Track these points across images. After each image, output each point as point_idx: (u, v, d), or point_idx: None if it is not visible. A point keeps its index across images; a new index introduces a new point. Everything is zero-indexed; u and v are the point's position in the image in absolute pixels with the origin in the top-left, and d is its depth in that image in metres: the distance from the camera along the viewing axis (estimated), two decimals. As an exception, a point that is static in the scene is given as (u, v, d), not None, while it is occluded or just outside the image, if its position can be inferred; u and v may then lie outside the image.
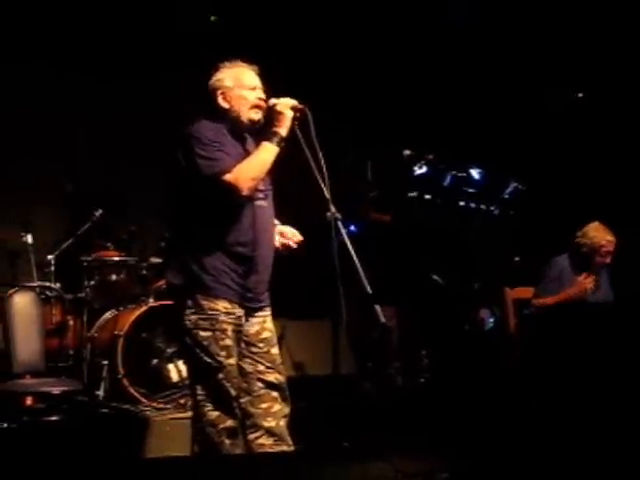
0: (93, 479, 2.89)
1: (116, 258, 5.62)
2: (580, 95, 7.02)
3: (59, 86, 6.22)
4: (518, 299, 5.51)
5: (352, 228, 6.58)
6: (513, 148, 6.70)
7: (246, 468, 2.64)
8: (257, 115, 3.36)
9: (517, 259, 6.59)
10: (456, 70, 6.87)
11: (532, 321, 5.12)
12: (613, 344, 4.17)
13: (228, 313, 3.25)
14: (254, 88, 3.37)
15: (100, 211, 5.56)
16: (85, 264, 5.44)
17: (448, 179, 6.19)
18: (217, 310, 3.23)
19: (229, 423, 3.21)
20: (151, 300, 5.37)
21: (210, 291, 3.23)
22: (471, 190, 6.25)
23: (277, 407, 3.36)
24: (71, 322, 5.31)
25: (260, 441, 3.31)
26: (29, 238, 5.42)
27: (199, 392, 3.23)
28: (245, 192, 3.20)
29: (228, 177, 3.17)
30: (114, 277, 5.56)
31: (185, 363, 3.43)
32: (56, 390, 4.09)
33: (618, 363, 4.07)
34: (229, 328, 3.25)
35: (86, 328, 5.28)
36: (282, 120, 3.29)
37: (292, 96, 3.37)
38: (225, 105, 3.35)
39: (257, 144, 3.34)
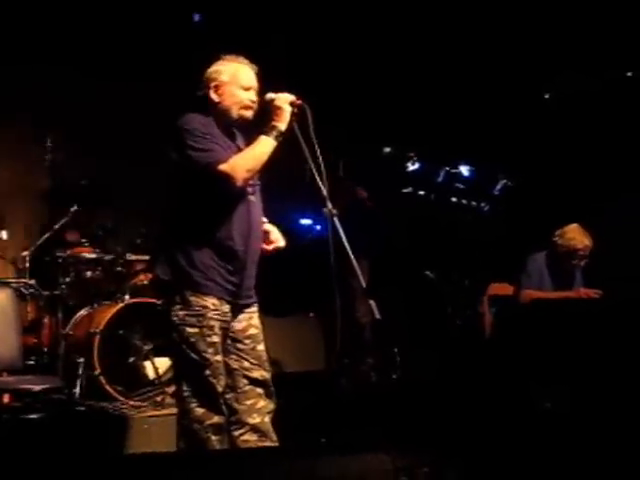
0: (73, 477, 2.88)
1: (92, 255, 5.57)
2: (546, 96, 7.10)
3: (35, 80, 6.16)
4: (492, 295, 5.60)
5: (318, 227, 6.62)
6: (497, 145, 6.77)
7: (239, 463, 2.64)
8: (246, 114, 3.35)
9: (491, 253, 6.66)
10: (439, 66, 6.91)
11: (516, 318, 5.19)
12: (592, 342, 4.24)
13: (216, 310, 3.25)
14: (248, 89, 3.35)
15: (75, 207, 5.53)
16: (60, 260, 5.39)
17: (442, 175, 6.24)
18: (205, 307, 3.22)
19: (215, 419, 3.22)
20: (127, 297, 5.35)
21: (199, 287, 3.23)
22: (461, 186, 6.31)
23: (262, 403, 3.37)
24: (46, 319, 5.26)
25: (245, 437, 3.32)
26: (4, 234, 5.38)
27: (185, 388, 3.24)
28: (240, 183, 3.19)
29: (223, 167, 3.16)
30: (89, 274, 5.51)
31: (171, 359, 3.42)
32: (37, 387, 4.05)
33: (597, 360, 4.14)
34: (217, 325, 3.25)
35: (61, 325, 5.24)
36: (281, 115, 3.29)
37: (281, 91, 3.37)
38: (216, 98, 3.34)
39: (253, 139, 3.33)
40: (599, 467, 3.14)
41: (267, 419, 3.37)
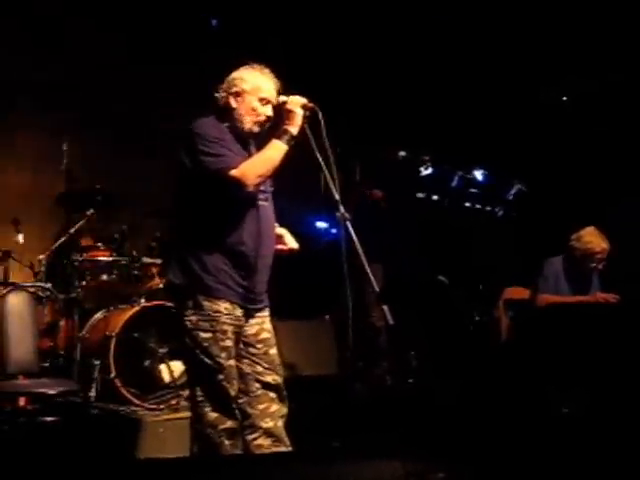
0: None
1: (107, 258, 5.59)
2: (565, 99, 7.08)
3: (49, 85, 6.20)
4: (507, 299, 5.56)
5: (334, 231, 6.61)
6: (512, 150, 6.74)
7: (253, 468, 2.63)
8: (256, 129, 3.35)
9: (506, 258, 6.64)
10: (454, 71, 6.91)
11: (532, 322, 5.15)
12: (609, 346, 4.20)
13: (229, 314, 3.25)
14: (267, 103, 3.34)
15: (91, 211, 5.55)
16: (76, 264, 5.41)
17: (456, 180, 6.22)
18: (218, 311, 3.23)
19: (229, 424, 3.22)
20: (143, 300, 5.35)
21: (211, 291, 3.23)
22: (475, 191, 6.28)
23: (275, 408, 3.37)
24: (62, 322, 5.27)
25: (258, 442, 3.32)
26: (20, 238, 5.41)
27: (198, 393, 3.23)
28: (251, 188, 3.19)
29: (234, 172, 3.16)
30: (105, 277, 5.54)
31: (184, 364, 3.42)
32: (52, 391, 4.07)
33: (614, 364, 4.10)
34: (229, 329, 3.25)
35: (77, 328, 5.25)
36: (293, 118, 3.27)
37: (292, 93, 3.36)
38: (234, 104, 3.34)
39: (264, 145, 3.33)
40: (616, 470, 3.11)
41: (280, 423, 3.37)
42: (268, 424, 3.33)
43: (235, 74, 3.38)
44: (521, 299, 5.51)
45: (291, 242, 3.55)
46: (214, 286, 3.23)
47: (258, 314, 3.41)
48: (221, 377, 3.21)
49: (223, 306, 3.24)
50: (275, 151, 3.26)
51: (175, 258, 3.33)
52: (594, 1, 6.19)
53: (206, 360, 3.20)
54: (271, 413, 3.35)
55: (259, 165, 3.23)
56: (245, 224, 3.28)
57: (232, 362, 3.25)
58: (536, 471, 3.37)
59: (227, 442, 3.20)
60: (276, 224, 3.54)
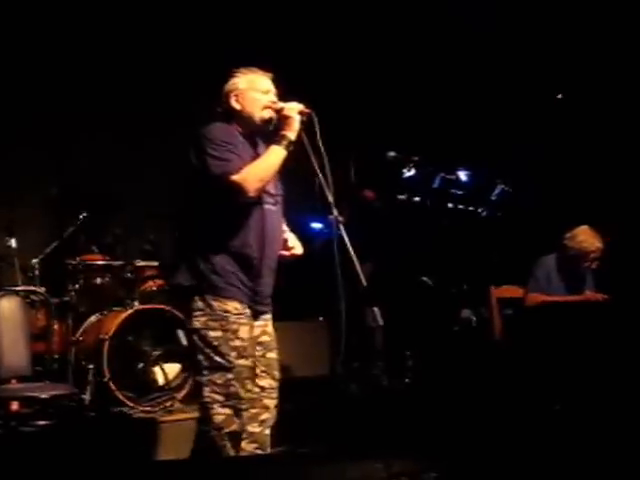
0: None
1: (101, 261, 5.59)
2: (559, 96, 7.09)
3: (46, 89, 6.20)
4: (502, 298, 5.54)
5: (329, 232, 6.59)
6: (501, 148, 6.75)
7: (239, 469, 2.64)
8: (268, 114, 3.39)
9: (496, 258, 6.63)
10: (442, 71, 6.92)
11: (522, 321, 5.15)
12: (604, 343, 4.20)
13: (239, 314, 3.26)
14: (267, 92, 3.42)
15: (84, 214, 5.55)
16: (70, 267, 5.40)
17: (437, 181, 6.21)
18: (227, 311, 3.23)
19: (234, 427, 3.20)
20: (136, 303, 5.35)
21: (220, 292, 3.24)
22: (459, 192, 6.28)
23: (265, 416, 3.37)
24: (56, 326, 5.26)
25: (242, 445, 3.28)
26: (13, 242, 5.40)
27: (207, 394, 3.21)
28: (252, 193, 3.22)
29: (236, 178, 3.19)
30: (99, 280, 5.53)
31: (193, 366, 3.37)
32: (45, 395, 4.07)
33: (609, 362, 4.10)
34: (240, 329, 3.25)
35: (71, 332, 5.25)
36: (290, 124, 3.32)
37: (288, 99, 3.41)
38: (237, 106, 3.40)
39: (267, 148, 3.36)
40: (609, 468, 3.11)
41: (267, 432, 3.38)
42: (255, 429, 3.33)
43: (227, 84, 3.46)
44: (514, 298, 5.49)
45: (296, 247, 3.57)
46: (223, 286, 3.24)
47: (262, 316, 3.43)
48: (230, 376, 3.20)
49: (232, 306, 3.25)
50: (275, 156, 3.30)
51: (183, 261, 3.33)
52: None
53: (217, 358, 3.20)
54: (261, 420, 3.36)
55: (260, 171, 3.26)
56: (251, 227, 3.30)
57: (242, 362, 3.24)
58: (529, 469, 3.37)
59: (229, 445, 3.18)
60: (286, 228, 3.58)
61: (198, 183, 3.28)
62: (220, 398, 3.19)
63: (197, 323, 3.23)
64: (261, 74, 3.46)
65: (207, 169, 3.21)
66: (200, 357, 3.24)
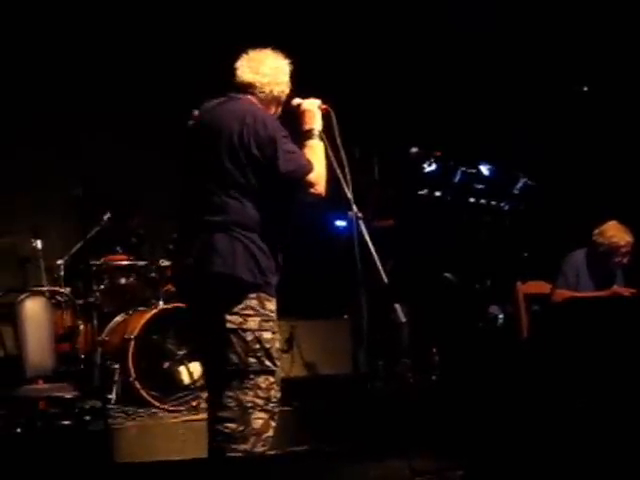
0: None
1: (125, 262, 5.62)
2: (585, 89, 7.00)
3: (67, 91, 6.24)
4: (529, 294, 5.47)
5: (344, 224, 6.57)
6: (527, 143, 6.68)
7: (263, 468, 2.62)
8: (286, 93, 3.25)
9: (525, 254, 6.56)
10: (465, 66, 6.87)
11: (548, 317, 5.07)
12: (632, 340, 4.12)
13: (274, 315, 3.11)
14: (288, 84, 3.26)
15: (108, 215, 5.58)
16: (94, 268, 5.44)
17: (458, 176, 6.13)
18: (273, 311, 3.07)
19: (270, 432, 3.06)
20: (161, 302, 5.37)
21: (271, 290, 3.06)
22: (481, 186, 6.19)
23: None
24: (82, 326, 5.30)
25: None
26: (38, 243, 5.44)
27: (250, 398, 3.02)
28: (323, 194, 3.08)
29: (311, 177, 3.04)
30: (123, 281, 5.57)
31: (231, 365, 3.15)
32: (71, 394, 4.09)
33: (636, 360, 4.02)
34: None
35: (97, 332, 5.27)
36: (312, 117, 3.20)
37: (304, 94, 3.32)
38: (282, 96, 3.21)
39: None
40: (633, 465, 3.06)
41: None
42: None
43: (275, 63, 3.22)
44: (541, 294, 5.41)
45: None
46: (273, 284, 3.08)
47: None
48: (272, 380, 3.05)
49: (274, 307, 3.09)
50: (320, 152, 3.16)
51: (239, 249, 3.01)
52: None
53: (267, 362, 3.03)
54: None
55: (322, 169, 3.11)
56: (287, 229, 3.16)
57: (279, 364, 3.12)
58: (555, 467, 3.33)
59: (263, 449, 3.03)
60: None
61: (261, 175, 3.02)
62: (261, 402, 3.02)
63: (252, 324, 2.99)
64: (287, 62, 3.25)
65: (282, 161, 2.98)
66: (252, 360, 3.01)
